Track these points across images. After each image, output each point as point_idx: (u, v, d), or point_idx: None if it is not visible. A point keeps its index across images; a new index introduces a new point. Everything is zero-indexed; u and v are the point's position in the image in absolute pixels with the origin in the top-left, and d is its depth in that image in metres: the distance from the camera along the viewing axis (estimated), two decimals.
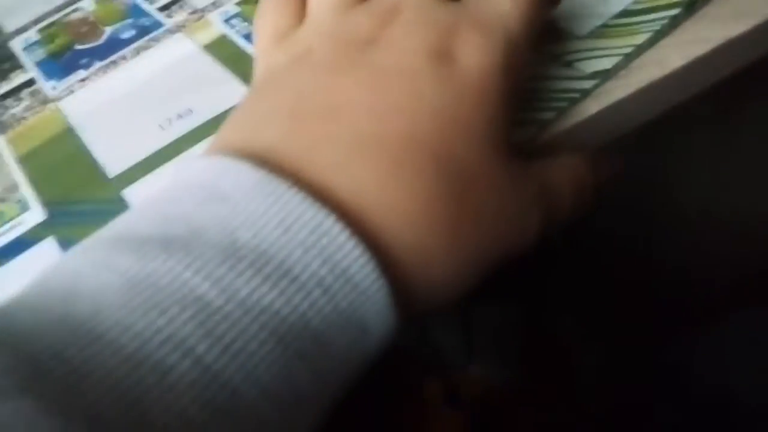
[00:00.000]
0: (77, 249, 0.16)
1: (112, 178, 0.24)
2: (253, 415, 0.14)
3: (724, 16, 0.24)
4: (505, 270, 0.19)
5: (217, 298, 0.14)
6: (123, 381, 0.13)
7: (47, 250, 0.22)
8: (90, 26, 0.33)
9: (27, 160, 0.26)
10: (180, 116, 0.26)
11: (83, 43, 0.32)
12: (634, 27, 0.23)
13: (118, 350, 0.13)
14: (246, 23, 0.30)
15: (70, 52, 0.31)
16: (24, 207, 0.24)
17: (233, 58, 0.28)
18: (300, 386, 0.15)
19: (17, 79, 0.31)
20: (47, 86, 0.29)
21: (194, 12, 0.31)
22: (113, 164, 0.25)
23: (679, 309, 0.49)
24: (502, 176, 0.18)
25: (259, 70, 0.22)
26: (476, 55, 0.18)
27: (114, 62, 0.30)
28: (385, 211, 0.16)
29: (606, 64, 0.23)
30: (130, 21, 0.32)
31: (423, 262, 0.17)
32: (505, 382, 0.53)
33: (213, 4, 0.31)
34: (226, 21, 0.30)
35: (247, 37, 0.29)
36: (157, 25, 0.31)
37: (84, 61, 0.30)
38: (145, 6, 0.33)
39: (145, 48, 0.30)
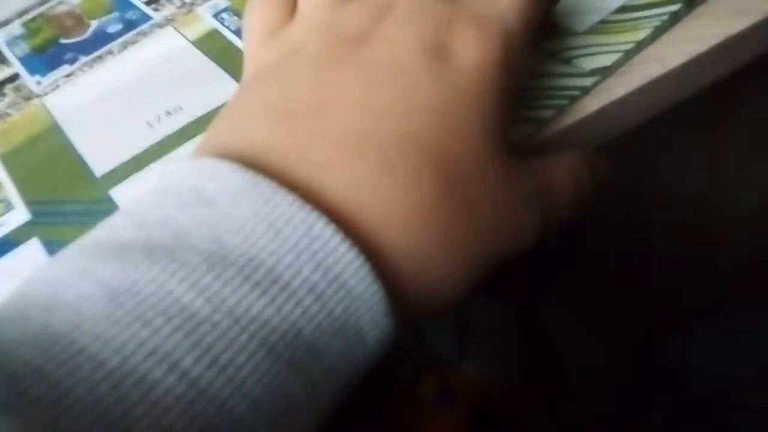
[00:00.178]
0: (59, 257, 0.15)
1: (99, 177, 0.24)
2: (242, 430, 0.13)
3: (725, 13, 0.23)
4: (499, 267, 0.18)
5: (204, 307, 0.13)
6: (105, 397, 0.12)
7: (32, 251, 0.22)
8: (75, 19, 0.32)
9: (10, 159, 0.25)
10: (169, 113, 0.25)
11: (68, 37, 0.31)
12: (634, 23, 0.23)
13: (100, 365, 0.13)
14: (236, 17, 0.29)
15: (55, 46, 0.30)
16: (8, 207, 0.23)
17: (223, 54, 0.27)
18: (292, 398, 0.14)
19: (0, 74, 0.30)
20: (31, 81, 0.29)
21: (183, 5, 0.31)
22: (100, 163, 0.24)
23: (676, 307, 0.49)
24: (500, 176, 0.17)
25: (248, 66, 0.22)
26: (472, 52, 0.18)
27: (100, 57, 0.29)
28: (379, 212, 0.16)
29: (606, 61, 0.22)
30: (116, 14, 0.31)
31: (419, 264, 0.16)
32: (500, 380, 0.53)
33: None
34: (216, 15, 0.29)
35: (238, 32, 0.28)
36: (145, 18, 0.31)
37: (69, 55, 0.30)
38: None
39: (133, 42, 0.29)
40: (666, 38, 0.23)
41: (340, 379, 0.15)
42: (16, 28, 0.32)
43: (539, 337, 0.56)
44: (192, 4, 0.31)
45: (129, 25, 0.30)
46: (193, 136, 0.24)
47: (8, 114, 0.27)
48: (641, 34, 0.23)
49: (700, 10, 0.23)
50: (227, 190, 0.15)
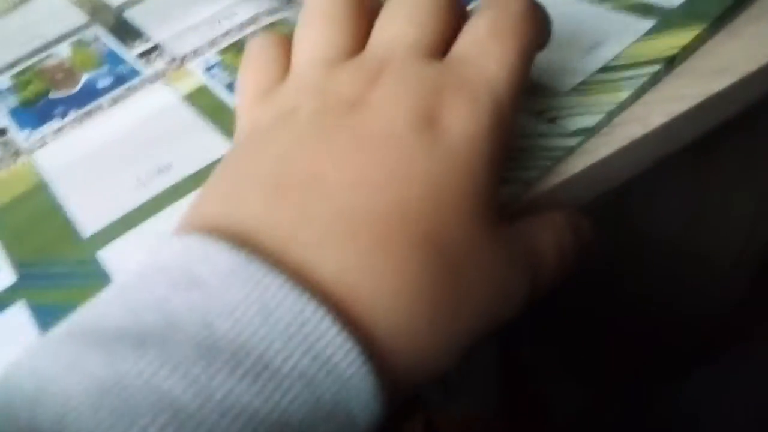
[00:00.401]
0: (47, 342, 0.15)
1: (87, 238, 0.23)
2: None
3: (703, 73, 0.24)
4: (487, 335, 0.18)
5: (193, 401, 0.13)
6: None
7: (18, 315, 0.22)
8: (65, 73, 0.32)
9: None
10: (159, 171, 0.25)
11: (58, 91, 0.31)
12: (616, 84, 0.24)
13: None
14: (227, 73, 0.29)
15: (45, 99, 0.31)
16: None
17: (214, 110, 0.28)
18: None
19: None
20: (20, 136, 0.29)
21: (173, 60, 0.31)
22: (88, 223, 0.24)
23: (661, 347, 0.49)
24: (490, 249, 0.18)
25: (240, 127, 0.22)
26: (463, 123, 0.18)
27: (90, 112, 0.29)
28: (371, 293, 0.16)
29: (589, 121, 0.23)
30: (106, 68, 0.32)
31: (410, 344, 0.16)
32: (485, 421, 0.53)
33: (193, 52, 0.31)
34: (207, 70, 0.30)
35: (229, 86, 0.28)
36: (135, 73, 0.31)
37: (59, 109, 0.30)
38: (123, 53, 0.32)
39: (123, 97, 0.30)
40: (647, 97, 0.24)
41: None
42: (5, 80, 0.33)
43: (523, 379, 0.56)
44: (183, 59, 0.31)
45: (119, 80, 0.31)
46: (184, 195, 0.24)
47: None
48: (623, 95, 0.23)
49: (679, 70, 0.24)
50: (218, 271, 0.15)
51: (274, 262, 0.15)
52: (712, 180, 0.40)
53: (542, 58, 0.22)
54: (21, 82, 0.32)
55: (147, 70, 0.31)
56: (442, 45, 0.20)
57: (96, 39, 0.34)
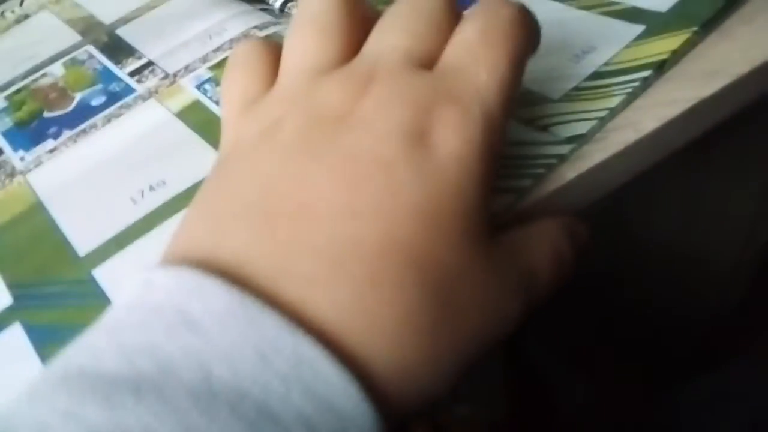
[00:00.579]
0: (42, 388, 0.15)
1: (82, 257, 0.23)
2: None
3: (694, 77, 0.24)
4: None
5: None
6: None
7: (13, 336, 0.21)
8: (59, 92, 0.32)
9: None
10: (152, 188, 0.25)
11: (52, 111, 0.31)
12: (607, 90, 0.24)
13: None
14: (219, 88, 0.29)
15: (39, 119, 0.31)
16: None
17: (206, 125, 0.28)
18: None
19: None
20: (15, 157, 0.29)
21: (165, 77, 0.31)
22: (83, 241, 0.24)
23: (662, 347, 0.49)
24: (483, 271, 0.17)
25: (225, 139, 0.21)
26: (454, 139, 0.17)
27: (84, 131, 0.29)
28: (365, 327, 0.15)
29: (581, 128, 0.23)
30: (100, 87, 0.32)
31: (406, 375, 0.16)
32: (491, 422, 0.53)
33: (185, 68, 0.31)
34: (199, 86, 0.30)
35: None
36: (128, 90, 0.31)
37: (53, 129, 0.30)
38: (116, 71, 0.32)
39: (117, 116, 0.30)
40: (638, 103, 0.23)
41: None
42: None
43: (529, 378, 0.56)
44: (175, 75, 0.31)
45: (112, 98, 0.31)
46: (177, 211, 0.24)
47: None
48: (615, 101, 0.23)
49: (670, 74, 0.24)
50: (213, 311, 0.15)
51: (267, 298, 0.15)
52: (709, 183, 0.40)
53: (533, 65, 0.22)
54: (15, 102, 0.32)
55: (140, 87, 0.31)
56: (436, 54, 0.20)
57: (89, 57, 0.34)
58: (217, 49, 0.32)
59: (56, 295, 0.22)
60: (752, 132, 0.34)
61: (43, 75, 0.34)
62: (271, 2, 0.35)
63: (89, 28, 0.37)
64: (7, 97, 0.33)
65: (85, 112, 0.30)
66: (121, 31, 0.36)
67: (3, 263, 0.24)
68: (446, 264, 0.16)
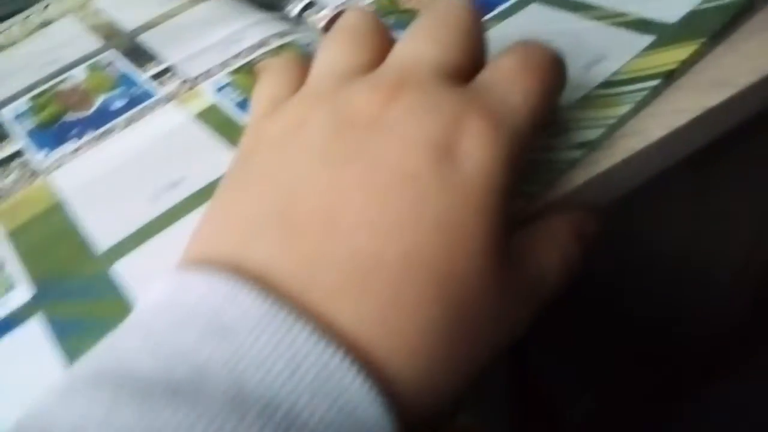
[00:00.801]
0: (74, 388, 0.15)
1: (101, 254, 0.24)
2: None
3: (702, 86, 0.24)
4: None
5: None
6: None
7: (35, 329, 0.22)
8: (81, 95, 0.33)
9: (16, 237, 0.26)
10: (171, 186, 0.26)
11: (74, 113, 0.32)
12: (617, 98, 0.24)
13: None
14: (238, 92, 0.30)
15: (60, 122, 0.32)
16: (11, 285, 0.24)
17: (225, 127, 0.28)
18: None
19: (6, 149, 0.31)
20: (37, 158, 0.30)
21: (185, 81, 0.32)
22: (102, 239, 0.25)
23: (665, 358, 0.49)
24: (499, 283, 0.17)
25: (247, 136, 0.22)
26: (481, 154, 0.18)
27: (105, 133, 0.30)
28: (388, 342, 0.16)
29: (591, 135, 0.23)
30: (120, 90, 0.33)
31: (425, 386, 0.16)
32: (492, 429, 0.53)
33: (205, 73, 0.32)
34: (219, 90, 0.31)
35: (240, 105, 0.29)
36: (148, 94, 0.32)
37: (74, 131, 0.31)
38: (136, 75, 0.33)
39: (137, 118, 0.30)
40: (647, 112, 0.24)
41: None
42: (22, 103, 0.34)
43: (533, 387, 0.56)
44: (195, 79, 0.32)
45: (133, 101, 0.31)
46: (194, 209, 0.25)
47: (14, 191, 0.28)
48: (624, 109, 0.24)
49: (679, 83, 0.25)
50: (247, 319, 0.15)
51: (297, 308, 0.15)
52: (713, 196, 0.41)
53: None
54: (38, 104, 0.33)
55: (160, 91, 0.32)
56: (464, 70, 0.20)
57: (110, 62, 0.35)
58: (237, 56, 0.32)
59: (76, 290, 0.23)
60: (758, 144, 0.35)
61: (66, 78, 0.35)
62: (288, 11, 0.36)
63: (112, 34, 0.38)
64: (31, 100, 0.34)
65: (106, 114, 0.31)
66: (142, 38, 0.36)
67: (25, 259, 0.25)
68: (466, 280, 0.17)
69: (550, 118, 0.24)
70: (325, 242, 0.17)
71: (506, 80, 0.19)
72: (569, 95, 0.25)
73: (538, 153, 0.23)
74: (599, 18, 0.28)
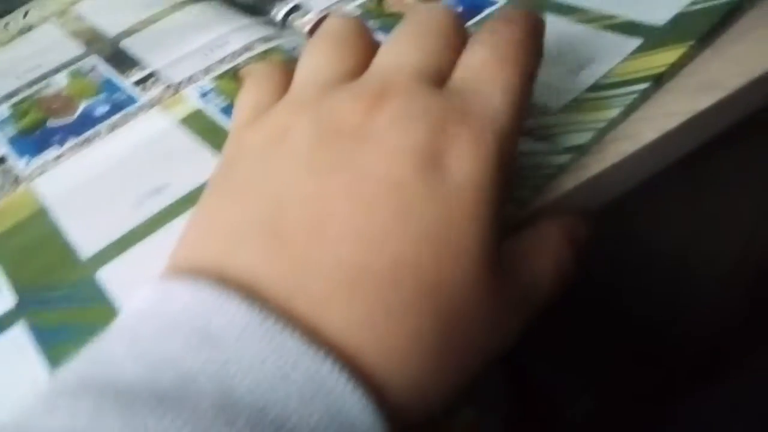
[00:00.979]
0: (58, 396, 0.14)
1: (85, 260, 0.24)
2: None
3: (692, 89, 0.24)
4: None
5: None
6: None
7: (18, 337, 0.22)
8: (63, 101, 0.33)
9: None
10: (155, 192, 0.26)
11: (56, 120, 0.31)
12: (606, 101, 0.24)
13: None
14: (222, 97, 0.30)
15: (43, 128, 0.31)
16: None
17: (209, 132, 0.28)
18: None
19: None
20: (19, 164, 0.29)
21: (169, 87, 0.31)
22: (86, 245, 0.24)
23: (664, 358, 0.49)
24: (490, 292, 0.17)
25: (230, 144, 0.21)
26: (466, 162, 0.17)
27: (88, 139, 0.29)
28: (376, 351, 0.16)
29: (580, 139, 0.23)
30: (103, 96, 0.32)
31: (414, 392, 0.16)
32: (493, 427, 0.52)
33: (189, 79, 0.32)
34: (203, 96, 0.30)
35: (224, 110, 0.29)
36: (132, 100, 0.31)
37: (57, 137, 0.30)
38: (120, 81, 0.33)
39: (120, 124, 0.30)
40: (637, 115, 0.24)
41: None
42: (4, 110, 0.33)
43: (531, 385, 0.55)
44: (178, 85, 0.31)
45: (116, 107, 0.31)
46: (179, 215, 0.24)
47: None
48: (613, 112, 0.23)
49: (669, 86, 0.24)
50: (234, 328, 0.15)
51: (284, 316, 0.15)
52: (708, 196, 0.41)
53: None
54: (19, 111, 0.33)
55: (143, 97, 0.31)
56: (447, 72, 0.20)
57: (93, 68, 0.34)
58: (221, 61, 0.32)
59: (60, 297, 0.23)
60: (751, 144, 0.35)
61: (47, 85, 0.34)
62: (273, 15, 0.36)
63: (93, 40, 0.37)
64: (12, 107, 0.33)
65: (88, 120, 0.31)
66: (124, 43, 0.36)
67: (7, 266, 0.24)
68: (456, 289, 0.17)
69: (540, 122, 0.24)
70: (311, 251, 0.16)
71: (483, 76, 0.19)
72: (558, 99, 0.25)
73: (527, 158, 0.23)
74: (587, 21, 0.28)
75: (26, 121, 0.32)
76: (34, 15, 0.41)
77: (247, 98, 0.22)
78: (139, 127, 0.29)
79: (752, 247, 0.43)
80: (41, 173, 0.28)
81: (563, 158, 0.23)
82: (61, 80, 0.34)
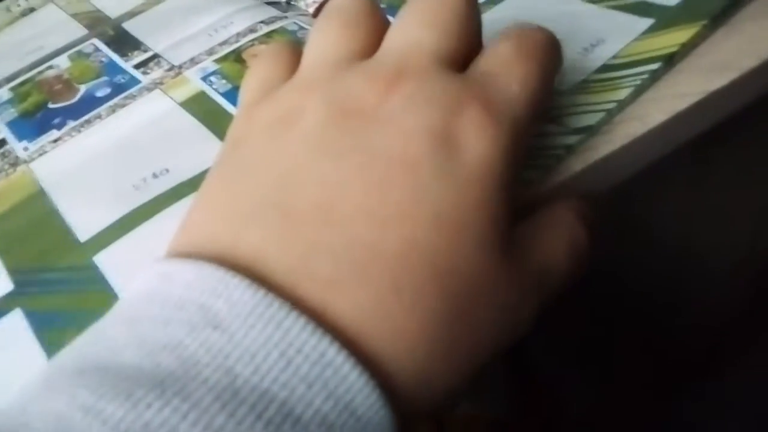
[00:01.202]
0: (58, 381, 0.14)
1: (84, 242, 0.23)
2: None
3: (704, 70, 0.24)
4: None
5: None
6: None
7: (15, 322, 0.21)
8: (64, 84, 0.32)
9: None
10: (155, 175, 0.25)
11: (57, 102, 0.31)
12: (616, 82, 0.23)
13: None
14: (224, 81, 0.29)
15: (44, 110, 0.31)
16: None
17: (211, 115, 0.27)
18: None
19: None
20: (19, 147, 0.29)
21: (171, 68, 0.31)
22: (85, 228, 0.24)
23: (667, 347, 0.49)
24: (501, 277, 0.17)
25: (236, 124, 0.21)
26: (483, 144, 0.17)
27: (89, 121, 0.29)
28: (384, 332, 0.15)
29: (589, 120, 0.22)
30: (105, 78, 0.32)
31: (421, 379, 0.16)
32: (494, 421, 0.52)
33: (191, 60, 0.31)
34: (204, 78, 0.30)
35: (226, 94, 0.28)
36: (133, 82, 0.31)
37: (57, 120, 0.30)
38: (121, 63, 0.32)
39: (121, 106, 0.29)
40: (646, 95, 0.23)
41: None
42: (4, 93, 0.33)
43: (532, 378, 0.55)
44: (180, 67, 0.31)
45: (117, 89, 0.31)
46: (179, 198, 0.24)
47: None
48: (623, 93, 0.23)
49: (680, 67, 0.24)
50: (238, 311, 0.15)
51: (288, 299, 0.15)
52: (713, 184, 0.40)
53: None
54: (20, 94, 0.32)
55: (145, 78, 0.31)
56: (461, 55, 0.19)
57: (94, 50, 0.34)
58: (224, 43, 0.32)
59: (57, 281, 0.22)
60: (760, 129, 0.34)
61: (49, 67, 0.34)
62: None
63: (95, 22, 0.37)
64: (13, 89, 0.33)
65: (89, 103, 0.30)
66: (127, 25, 0.36)
67: (4, 250, 0.24)
68: (466, 272, 0.16)
69: (548, 103, 0.23)
70: (321, 232, 0.16)
71: (504, 68, 0.19)
72: (567, 80, 0.24)
73: (536, 138, 0.22)
74: (597, 1, 0.27)
75: (27, 103, 0.32)
76: None
77: (255, 77, 0.22)
78: (140, 109, 0.29)
79: (758, 237, 0.42)
80: (40, 155, 0.28)
81: (572, 139, 0.22)
82: (62, 62, 0.34)
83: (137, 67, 0.32)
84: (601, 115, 0.22)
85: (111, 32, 0.35)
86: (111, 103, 0.30)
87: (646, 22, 0.25)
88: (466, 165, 0.17)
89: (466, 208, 0.17)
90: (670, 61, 0.24)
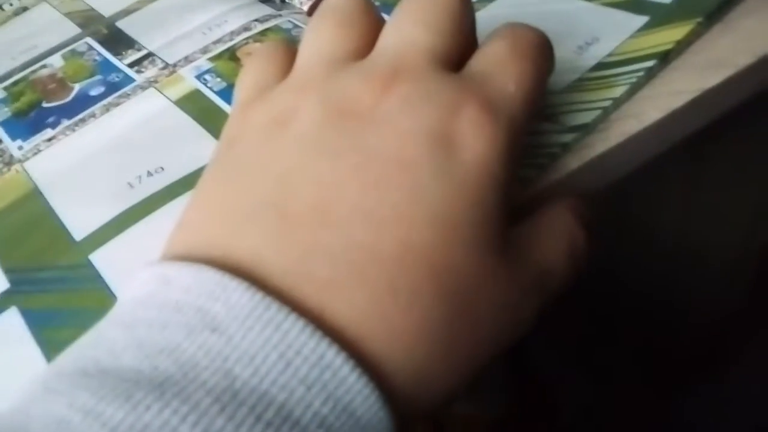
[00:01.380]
0: (57, 384, 0.14)
1: (79, 241, 0.23)
2: None
3: (699, 67, 0.24)
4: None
5: None
6: None
7: (10, 321, 0.21)
8: (58, 83, 0.32)
9: None
10: (150, 174, 0.25)
11: (51, 101, 0.31)
12: (611, 80, 0.23)
13: None
14: (219, 79, 0.29)
15: (38, 110, 0.30)
16: None
17: (205, 113, 0.27)
18: None
19: None
20: (12, 146, 0.29)
21: (165, 67, 0.31)
22: (80, 226, 0.24)
23: (665, 345, 0.49)
24: (499, 277, 0.17)
25: (231, 125, 0.21)
26: (479, 144, 0.17)
27: (83, 120, 0.29)
28: (382, 333, 0.15)
29: (585, 118, 0.22)
30: (99, 77, 0.32)
31: (419, 380, 0.16)
32: (492, 420, 0.52)
33: (185, 58, 0.31)
34: (199, 76, 0.30)
35: (221, 93, 0.28)
36: (128, 80, 0.31)
37: (51, 119, 0.30)
38: (115, 62, 0.32)
39: (115, 105, 0.29)
40: (642, 93, 0.23)
41: None
42: None
43: (530, 377, 0.55)
44: (175, 65, 0.31)
45: (112, 88, 0.31)
46: (175, 197, 0.24)
47: None
48: (618, 91, 0.23)
49: (675, 65, 0.24)
50: (236, 313, 0.14)
51: (286, 301, 0.15)
52: (710, 181, 0.40)
53: None
54: (13, 93, 0.32)
55: (139, 77, 0.31)
56: (455, 54, 0.19)
57: (88, 49, 0.34)
58: (218, 41, 0.32)
59: (53, 279, 0.22)
60: (756, 126, 0.34)
61: (42, 66, 0.34)
62: None
63: (89, 21, 0.37)
64: (6, 88, 0.33)
65: (83, 102, 0.30)
66: (120, 24, 0.35)
67: (0, 249, 0.24)
68: (464, 272, 0.16)
69: (541, 103, 0.23)
70: (318, 233, 0.16)
71: (500, 67, 0.19)
72: (562, 78, 0.24)
73: (532, 137, 0.22)
74: None
75: (21, 102, 0.31)
76: None
77: (249, 76, 0.22)
78: (135, 107, 0.29)
79: (754, 233, 0.42)
80: (35, 154, 0.28)
81: (568, 137, 0.22)
82: (56, 61, 0.34)
83: (131, 65, 0.32)
84: (597, 113, 0.22)
85: (104, 31, 0.35)
86: (105, 101, 0.30)
87: (641, 20, 0.25)
88: (464, 164, 0.17)
89: (464, 207, 0.17)
90: (665, 58, 0.24)
